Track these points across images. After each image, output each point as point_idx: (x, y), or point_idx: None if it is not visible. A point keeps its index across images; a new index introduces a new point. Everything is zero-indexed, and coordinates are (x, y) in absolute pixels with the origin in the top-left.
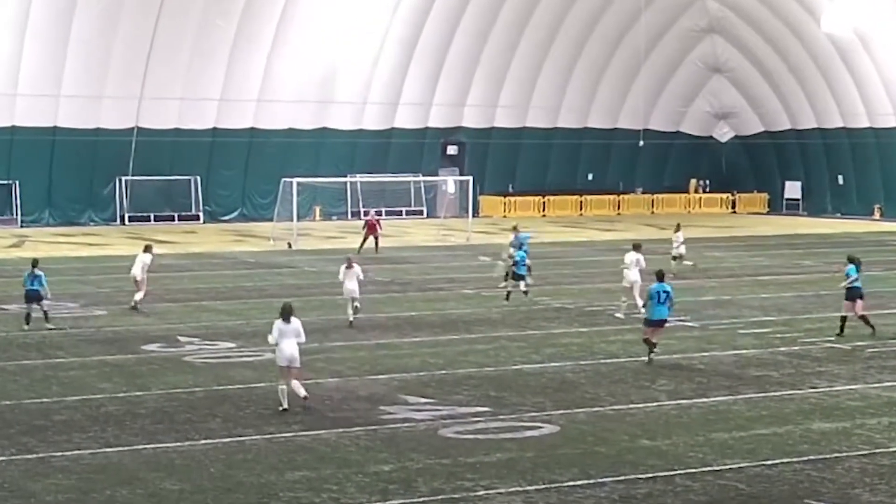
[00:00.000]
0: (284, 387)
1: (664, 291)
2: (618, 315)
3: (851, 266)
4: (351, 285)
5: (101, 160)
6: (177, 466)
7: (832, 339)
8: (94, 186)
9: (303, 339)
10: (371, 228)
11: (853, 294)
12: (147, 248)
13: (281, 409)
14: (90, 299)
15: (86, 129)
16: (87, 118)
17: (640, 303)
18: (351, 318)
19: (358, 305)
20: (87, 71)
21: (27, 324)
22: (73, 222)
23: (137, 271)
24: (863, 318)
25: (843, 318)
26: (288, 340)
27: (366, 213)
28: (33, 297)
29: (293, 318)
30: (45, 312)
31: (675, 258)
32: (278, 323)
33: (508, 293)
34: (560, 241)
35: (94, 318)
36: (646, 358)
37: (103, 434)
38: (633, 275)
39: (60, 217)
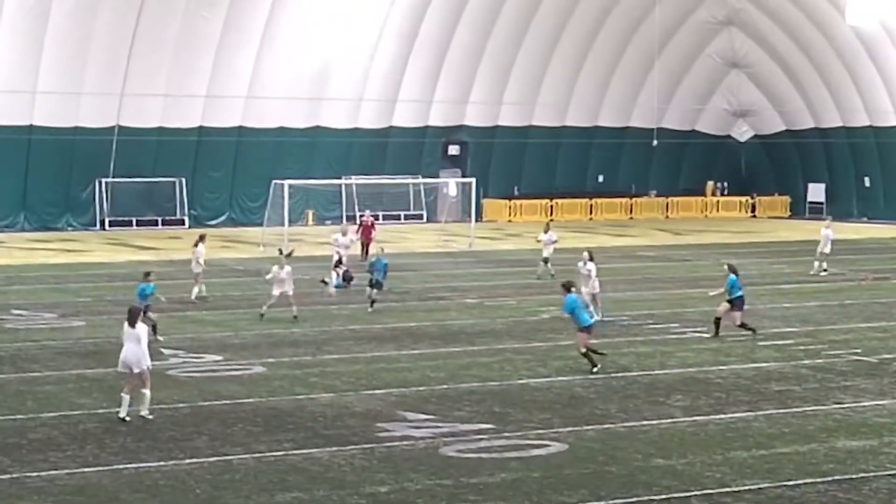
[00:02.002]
0: (127, 396)
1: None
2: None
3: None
4: (285, 287)
5: (80, 161)
6: (160, 488)
7: (858, 351)
8: (73, 189)
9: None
10: (366, 231)
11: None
12: (201, 238)
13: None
14: (68, 309)
15: (63, 127)
16: (64, 116)
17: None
18: (294, 313)
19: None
20: (65, 66)
21: None
22: (50, 227)
23: (194, 265)
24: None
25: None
26: (130, 344)
27: (361, 215)
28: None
29: (138, 324)
30: None
31: (544, 260)
32: (125, 327)
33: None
34: (568, 247)
35: (72, 329)
36: (595, 368)
37: (81, 453)
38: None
39: (36, 222)
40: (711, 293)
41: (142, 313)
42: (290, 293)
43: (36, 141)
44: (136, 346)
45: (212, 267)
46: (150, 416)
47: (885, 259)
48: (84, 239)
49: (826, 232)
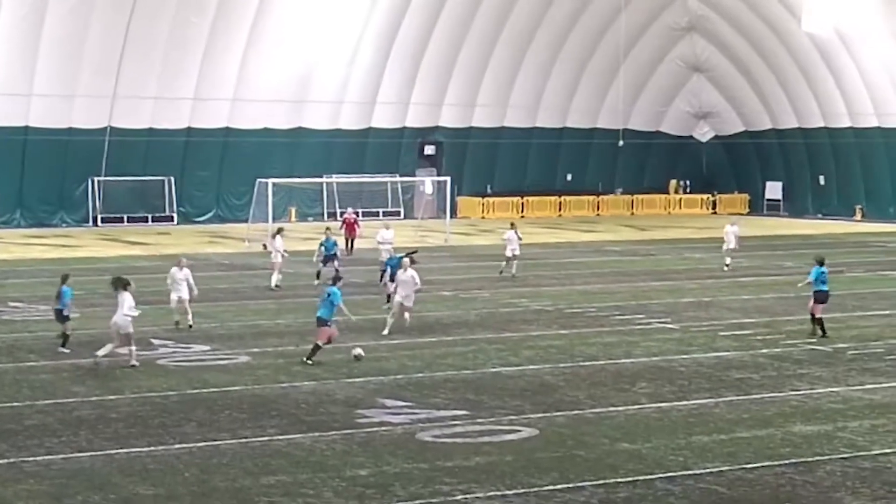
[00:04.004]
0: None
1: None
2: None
3: (819, 267)
4: (182, 291)
5: (74, 160)
6: (150, 471)
7: (813, 341)
8: (66, 187)
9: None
10: (350, 228)
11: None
12: (279, 231)
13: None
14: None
15: (58, 128)
16: (59, 117)
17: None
18: (185, 323)
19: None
20: (59, 69)
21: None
22: (45, 224)
23: (274, 255)
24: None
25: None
26: (119, 310)
27: (343, 212)
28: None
29: (125, 292)
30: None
31: (508, 259)
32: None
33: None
34: (539, 242)
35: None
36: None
37: (76, 438)
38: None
39: (32, 218)
40: (800, 285)
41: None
42: (186, 298)
43: (31, 141)
44: (128, 311)
45: (198, 261)
46: (136, 364)
47: (839, 253)
48: (77, 235)
49: (732, 229)
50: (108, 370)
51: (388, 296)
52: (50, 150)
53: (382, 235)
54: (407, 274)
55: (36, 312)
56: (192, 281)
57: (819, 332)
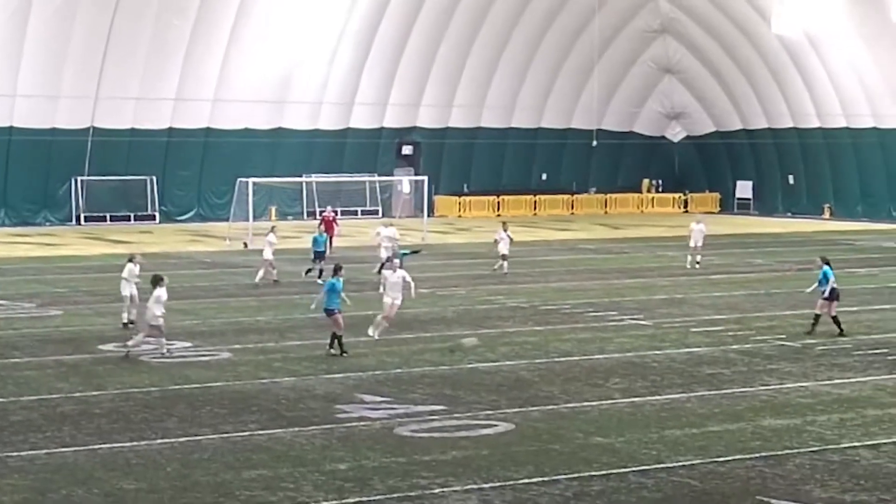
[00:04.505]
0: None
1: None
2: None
3: (826, 267)
4: (131, 288)
5: (57, 160)
6: (133, 466)
7: (783, 337)
8: (50, 186)
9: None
10: (328, 226)
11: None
12: (272, 230)
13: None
14: (46, 299)
15: (41, 128)
16: (42, 118)
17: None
18: (128, 318)
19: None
20: (43, 70)
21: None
22: (29, 222)
23: (268, 253)
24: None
25: (817, 317)
26: (151, 303)
27: (322, 211)
28: None
29: (160, 287)
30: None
31: (502, 257)
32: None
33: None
34: (515, 240)
35: (50, 318)
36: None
37: (59, 434)
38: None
39: (16, 217)
40: (808, 290)
41: None
42: (135, 295)
43: (15, 141)
44: (155, 304)
45: (181, 259)
46: (166, 352)
47: (808, 251)
48: (61, 234)
49: (698, 227)
50: (92, 366)
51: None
52: (34, 149)
53: (382, 233)
54: (397, 275)
55: (20, 310)
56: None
57: (838, 329)
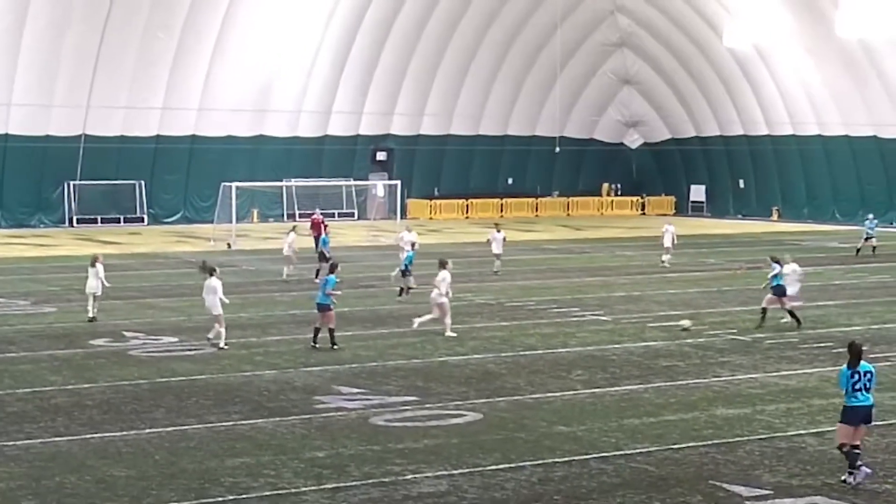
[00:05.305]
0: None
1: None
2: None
3: (776, 265)
4: (92, 282)
5: (51, 166)
6: (123, 454)
7: (734, 331)
8: (44, 190)
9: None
10: (315, 227)
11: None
12: (293, 228)
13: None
14: (40, 297)
15: (36, 136)
16: (36, 126)
17: None
18: (91, 315)
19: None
20: (37, 81)
21: None
22: (24, 225)
23: (287, 249)
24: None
25: (764, 311)
26: (208, 295)
27: (311, 214)
28: None
29: (214, 278)
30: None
31: (496, 256)
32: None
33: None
34: (482, 241)
35: (44, 315)
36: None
37: (53, 424)
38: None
39: (11, 220)
40: (763, 286)
41: None
42: (99, 293)
43: (11, 148)
44: (213, 295)
45: (168, 259)
46: (225, 347)
47: (758, 251)
48: (54, 235)
49: (670, 228)
50: (83, 361)
51: (401, 290)
52: (28, 156)
53: (405, 237)
54: (440, 275)
55: (15, 307)
56: (103, 276)
57: (795, 322)
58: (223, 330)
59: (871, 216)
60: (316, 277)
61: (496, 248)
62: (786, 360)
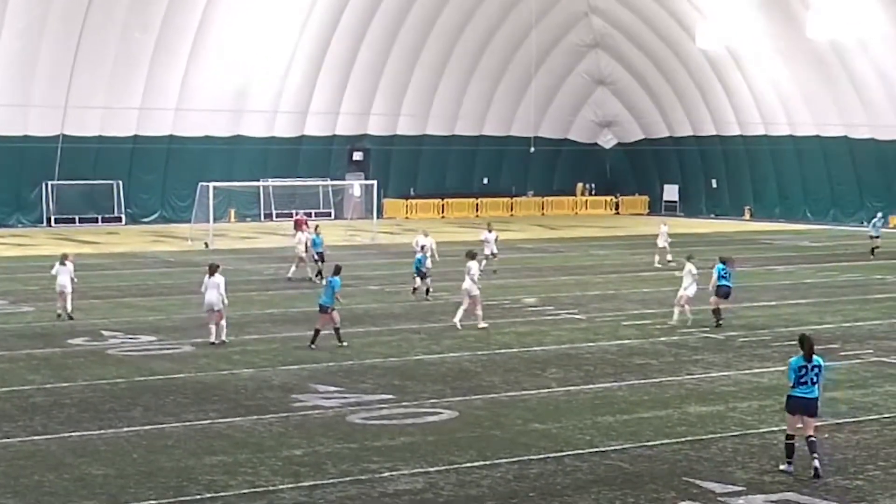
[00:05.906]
0: (213, 326)
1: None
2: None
3: (720, 265)
4: (63, 280)
5: (29, 166)
6: (101, 452)
7: (707, 329)
8: (22, 190)
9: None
10: (298, 227)
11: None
12: (302, 229)
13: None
14: (18, 297)
15: (14, 136)
16: (14, 126)
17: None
18: (66, 312)
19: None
20: (15, 81)
21: None
22: (2, 224)
23: (300, 248)
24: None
25: (716, 311)
26: (211, 291)
27: (295, 214)
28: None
29: (217, 275)
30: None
31: (490, 256)
32: (205, 278)
33: (415, 289)
34: (458, 240)
35: (23, 314)
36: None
37: (31, 423)
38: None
39: None
40: (710, 288)
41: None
42: (68, 291)
43: None
44: (215, 291)
45: (146, 259)
46: (227, 340)
47: (730, 250)
48: (32, 235)
49: (664, 228)
50: (62, 360)
51: (414, 289)
52: (6, 156)
53: (421, 241)
54: (469, 265)
55: None
56: (73, 274)
57: (716, 321)
58: (224, 322)
59: (879, 214)
60: (316, 277)
61: (488, 249)
62: (758, 358)
